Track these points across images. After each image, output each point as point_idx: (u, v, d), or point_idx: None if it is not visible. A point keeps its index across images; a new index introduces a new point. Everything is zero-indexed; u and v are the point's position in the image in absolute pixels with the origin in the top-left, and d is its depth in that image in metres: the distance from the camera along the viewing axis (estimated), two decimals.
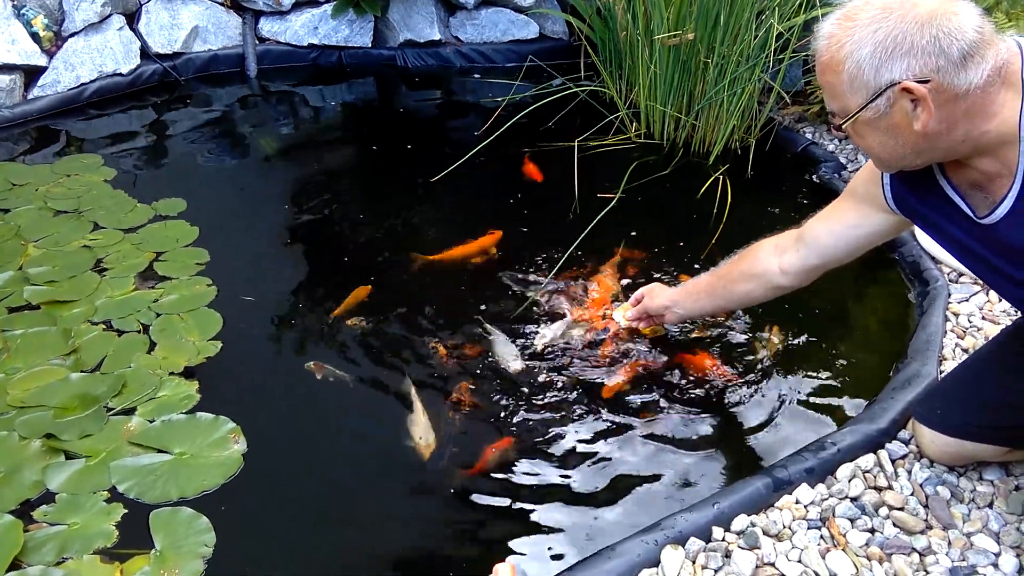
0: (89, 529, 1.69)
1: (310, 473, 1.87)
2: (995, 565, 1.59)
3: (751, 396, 2.07)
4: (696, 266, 2.55)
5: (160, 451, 1.88)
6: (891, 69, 1.25)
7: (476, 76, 4.15)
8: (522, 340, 2.22)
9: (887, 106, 1.29)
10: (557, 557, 1.66)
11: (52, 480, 1.80)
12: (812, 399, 2.07)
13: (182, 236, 2.68)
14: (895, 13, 1.24)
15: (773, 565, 1.59)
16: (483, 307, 2.36)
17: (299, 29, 4.08)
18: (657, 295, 2.12)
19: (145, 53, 3.82)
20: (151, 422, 1.95)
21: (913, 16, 1.23)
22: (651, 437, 1.94)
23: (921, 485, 1.76)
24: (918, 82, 1.24)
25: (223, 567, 1.63)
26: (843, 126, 1.36)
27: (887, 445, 1.84)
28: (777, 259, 1.84)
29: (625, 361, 2.16)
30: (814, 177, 3.13)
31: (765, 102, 3.32)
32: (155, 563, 1.63)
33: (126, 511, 1.74)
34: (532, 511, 1.76)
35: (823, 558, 1.60)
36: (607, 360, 2.15)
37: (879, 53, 1.25)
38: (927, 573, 1.57)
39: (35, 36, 3.49)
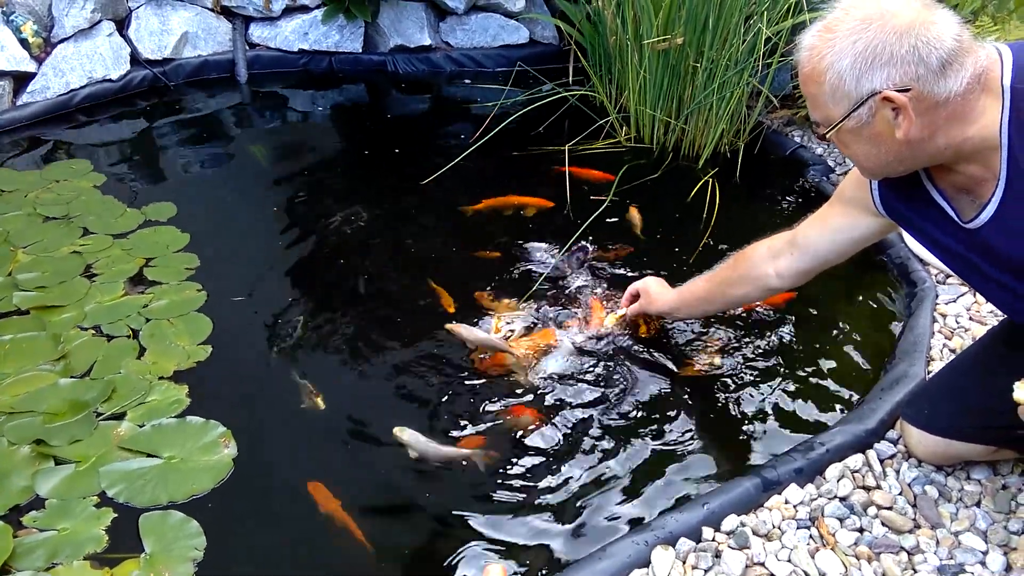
0: (79, 534, 1.69)
1: (300, 476, 1.87)
2: (983, 563, 1.60)
3: (740, 397, 2.08)
4: (685, 268, 2.56)
5: (150, 455, 1.88)
6: (871, 79, 1.26)
7: (466, 81, 4.16)
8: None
9: (869, 115, 1.30)
10: (548, 559, 1.66)
11: (42, 485, 1.79)
12: (801, 400, 2.08)
13: (172, 241, 2.68)
14: (874, 24, 1.25)
15: (763, 565, 1.60)
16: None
17: (289, 35, 4.09)
18: (654, 301, 2.14)
19: (135, 59, 3.82)
20: (141, 427, 1.95)
21: (892, 26, 1.24)
22: (640, 438, 1.95)
23: (909, 484, 1.77)
24: (898, 91, 1.25)
25: (213, 571, 1.63)
26: (826, 135, 1.38)
27: (875, 445, 1.86)
28: (772, 263, 1.87)
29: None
30: (802, 180, 3.15)
31: (753, 106, 3.34)
32: (145, 567, 1.62)
33: (116, 516, 1.73)
34: (523, 513, 1.76)
35: (812, 557, 1.61)
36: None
37: (859, 64, 1.26)
38: (915, 572, 1.58)
39: (24, 42, 3.48)
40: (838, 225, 1.73)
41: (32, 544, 1.66)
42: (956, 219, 1.44)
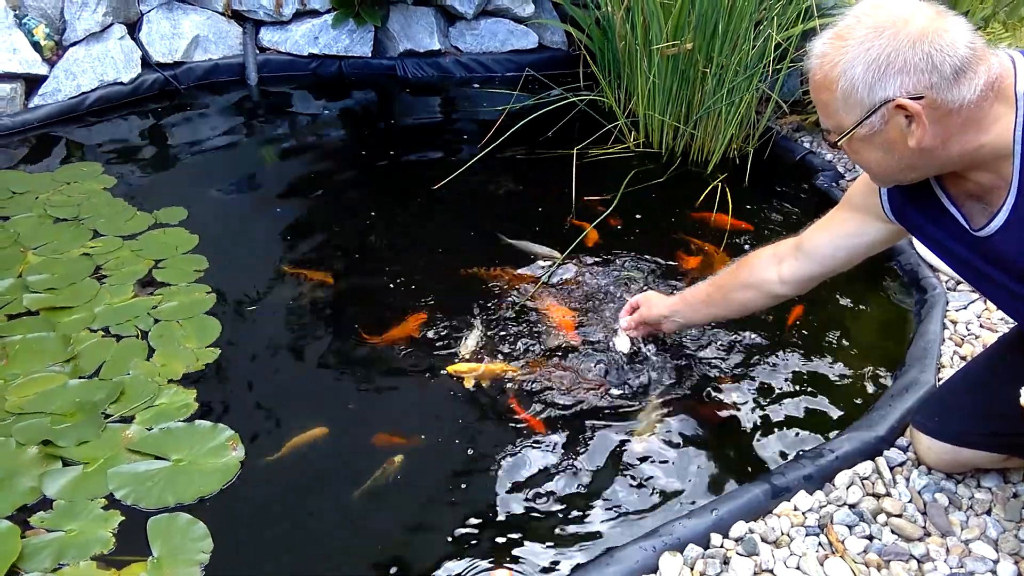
0: (86, 536, 1.69)
1: (308, 480, 1.87)
2: (993, 572, 1.58)
3: (749, 403, 2.07)
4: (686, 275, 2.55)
5: (158, 458, 1.88)
6: (885, 87, 1.25)
7: (476, 86, 4.17)
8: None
9: (881, 123, 1.29)
10: (555, 564, 1.66)
11: (49, 486, 1.80)
12: (810, 406, 2.07)
13: (181, 243, 2.69)
14: (887, 31, 1.24)
15: (771, 572, 1.59)
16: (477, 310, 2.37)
17: (299, 39, 4.10)
18: (654, 304, 2.12)
19: (146, 62, 3.84)
20: (149, 429, 1.95)
21: (905, 34, 1.23)
22: (648, 443, 1.94)
23: (919, 492, 1.76)
24: (912, 99, 1.24)
25: (220, 573, 1.63)
26: (838, 143, 1.37)
27: (885, 452, 1.85)
28: (776, 268, 1.85)
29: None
30: (812, 186, 3.14)
31: (763, 111, 3.33)
32: (152, 570, 1.62)
33: (123, 518, 1.73)
34: (530, 518, 1.76)
35: (821, 565, 1.60)
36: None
37: (872, 71, 1.25)
38: None
39: (36, 45, 3.50)
40: (846, 230, 1.71)
41: (39, 545, 1.67)
42: (966, 226, 1.43)
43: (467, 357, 2.17)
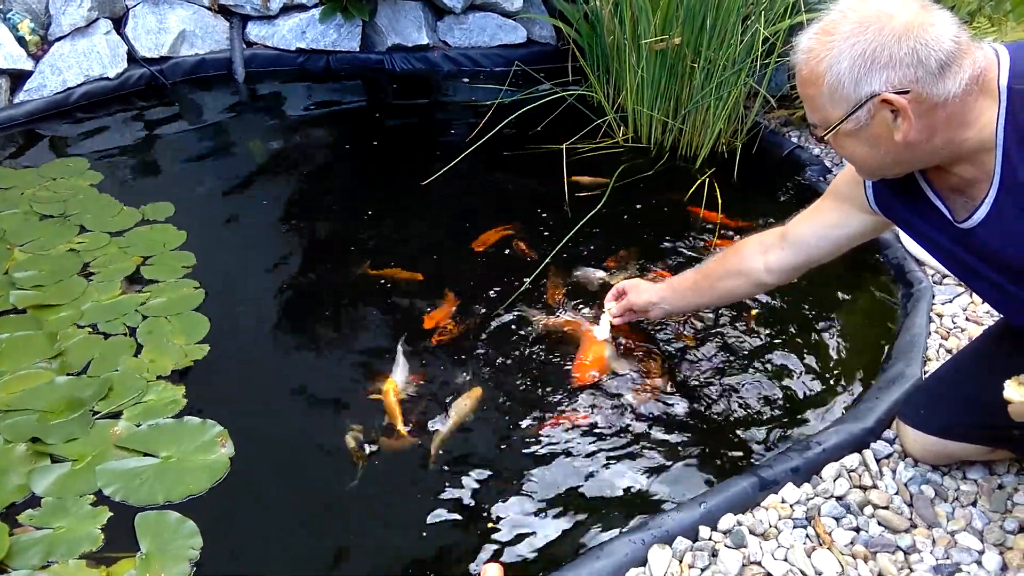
0: (75, 533, 1.69)
1: (297, 476, 1.87)
2: (979, 563, 1.60)
3: (736, 396, 2.08)
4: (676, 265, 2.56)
5: (147, 455, 1.87)
6: (870, 81, 1.26)
7: (464, 80, 4.16)
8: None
9: (868, 118, 1.30)
10: (545, 557, 1.66)
11: (38, 484, 1.79)
12: (798, 399, 2.08)
13: (169, 240, 2.68)
14: (872, 26, 1.25)
15: (759, 564, 1.60)
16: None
17: (287, 33, 4.08)
18: (642, 291, 2.13)
19: (132, 57, 3.82)
20: (138, 426, 1.94)
21: (890, 29, 1.24)
22: (638, 437, 1.95)
23: (906, 484, 1.77)
24: (897, 93, 1.25)
25: (210, 571, 1.62)
26: (824, 137, 1.38)
27: (872, 444, 1.86)
28: (762, 257, 1.86)
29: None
30: (800, 180, 3.16)
31: (751, 106, 3.34)
32: (141, 566, 1.62)
33: (112, 515, 1.73)
34: (519, 512, 1.76)
35: (809, 557, 1.61)
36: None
37: (858, 66, 1.26)
38: (911, 571, 1.59)
39: (21, 40, 3.48)
40: (830, 221, 1.73)
41: (28, 542, 1.66)
42: (950, 219, 1.44)
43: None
